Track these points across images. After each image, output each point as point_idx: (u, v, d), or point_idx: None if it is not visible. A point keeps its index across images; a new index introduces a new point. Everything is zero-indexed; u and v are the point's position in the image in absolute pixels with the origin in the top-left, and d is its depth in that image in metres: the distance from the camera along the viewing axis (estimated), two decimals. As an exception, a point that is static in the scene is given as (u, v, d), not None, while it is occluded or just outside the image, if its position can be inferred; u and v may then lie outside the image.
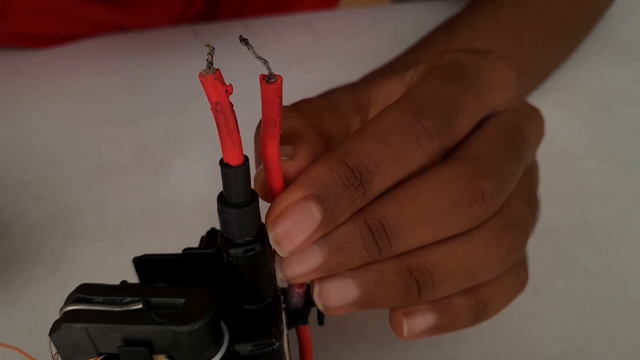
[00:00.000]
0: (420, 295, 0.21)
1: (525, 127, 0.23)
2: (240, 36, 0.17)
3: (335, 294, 0.21)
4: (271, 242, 0.20)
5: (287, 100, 0.19)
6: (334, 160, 0.19)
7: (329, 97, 0.26)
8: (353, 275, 0.21)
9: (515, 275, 0.23)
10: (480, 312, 0.22)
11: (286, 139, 0.21)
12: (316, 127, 0.23)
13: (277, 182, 0.20)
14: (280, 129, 0.19)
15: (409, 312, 0.22)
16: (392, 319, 0.22)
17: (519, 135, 0.22)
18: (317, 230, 0.19)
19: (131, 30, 0.58)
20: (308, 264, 0.20)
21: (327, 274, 0.20)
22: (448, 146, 0.21)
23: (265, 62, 0.17)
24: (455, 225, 0.20)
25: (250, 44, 0.17)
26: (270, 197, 0.20)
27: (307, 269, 0.20)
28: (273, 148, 0.19)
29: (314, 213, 0.19)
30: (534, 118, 0.24)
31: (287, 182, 0.20)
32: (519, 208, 0.22)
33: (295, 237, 0.19)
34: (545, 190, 0.26)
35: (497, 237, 0.21)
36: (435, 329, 0.22)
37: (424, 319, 0.22)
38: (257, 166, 0.25)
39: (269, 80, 0.17)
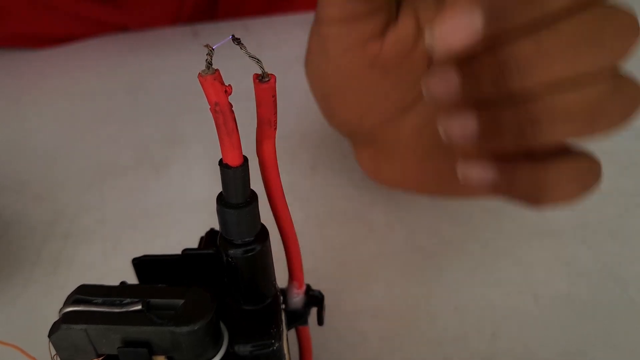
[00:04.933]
0: (532, 136, 0.21)
1: None
2: (233, 36, 0.17)
3: (458, 126, 0.22)
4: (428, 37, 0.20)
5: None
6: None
7: None
8: (475, 113, 0.22)
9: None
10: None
11: None
12: None
13: (274, 182, 0.20)
14: (275, 129, 0.19)
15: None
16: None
17: None
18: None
19: (131, 30, 0.58)
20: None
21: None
22: None
23: (258, 61, 0.17)
24: (588, 65, 0.20)
25: (242, 44, 0.17)
26: (268, 197, 0.20)
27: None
28: (269, 148, 0.19)
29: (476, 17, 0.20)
30: None
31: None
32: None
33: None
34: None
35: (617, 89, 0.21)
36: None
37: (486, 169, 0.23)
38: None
39: (262, 80, 0.17)
